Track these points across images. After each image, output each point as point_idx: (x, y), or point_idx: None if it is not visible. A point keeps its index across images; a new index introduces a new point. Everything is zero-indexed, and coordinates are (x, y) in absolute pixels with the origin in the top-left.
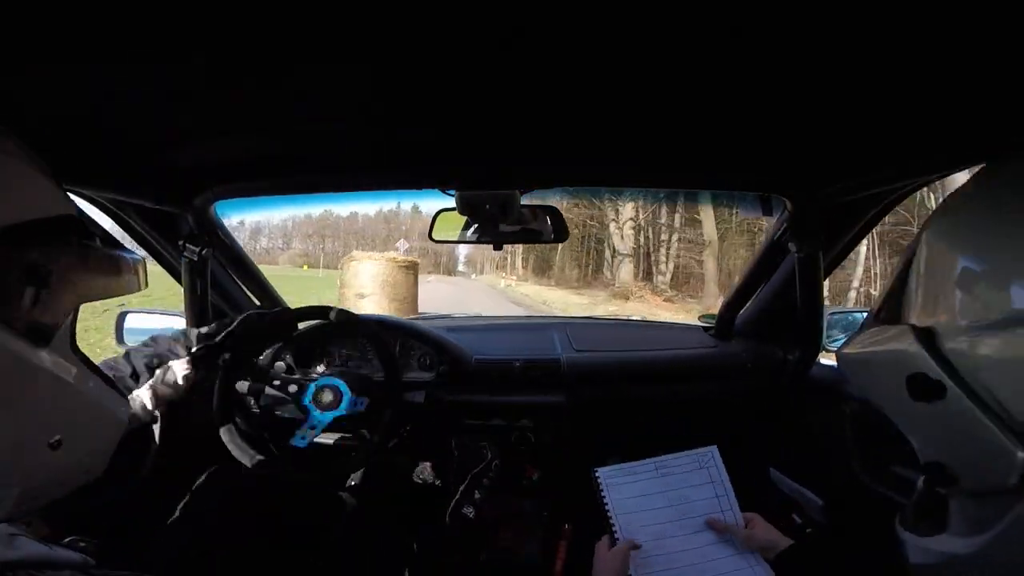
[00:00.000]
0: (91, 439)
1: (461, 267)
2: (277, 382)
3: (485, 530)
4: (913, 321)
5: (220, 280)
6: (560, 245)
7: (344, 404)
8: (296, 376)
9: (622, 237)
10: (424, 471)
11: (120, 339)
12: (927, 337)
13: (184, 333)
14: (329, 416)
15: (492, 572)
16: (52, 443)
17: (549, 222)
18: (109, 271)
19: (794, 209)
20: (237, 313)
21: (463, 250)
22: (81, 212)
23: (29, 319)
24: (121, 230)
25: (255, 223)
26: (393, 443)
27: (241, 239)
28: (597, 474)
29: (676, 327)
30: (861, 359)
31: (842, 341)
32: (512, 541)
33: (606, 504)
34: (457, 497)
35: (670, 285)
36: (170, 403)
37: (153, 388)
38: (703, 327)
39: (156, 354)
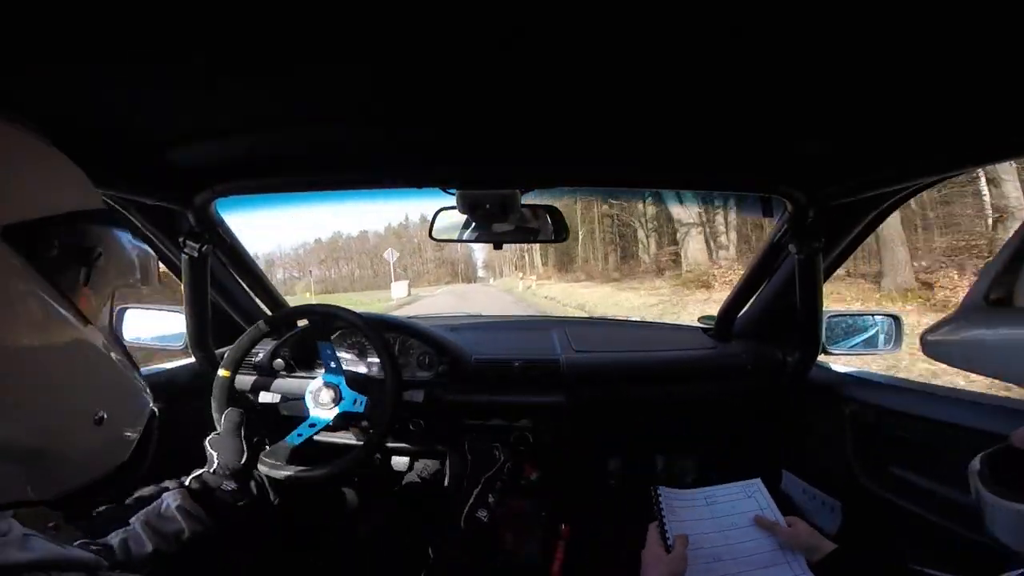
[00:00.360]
0: (129, 421)
1: (481, 272)
2: (276, 381)
3: (494, 533)
4: None
5: (220, 278)
6: (580, 234)
7: (343, 403)
8: (295, 375)
9: (681, 202)
10: (425, 469)
11: (119, 337)
12: None
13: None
14: (328, 415)
15: (492, 572)
16: (97, 418)
17: (549, 221)
18: (141, 261)
19: (794, 210)
20: (237, 311)
21: (480, 255)
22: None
23: (82, 297)
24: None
25: (268, 255)
26: (393, 443)
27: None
28: (659, 492)
29: (675, 328)
30: (984, 336)
31: (841, 343)
32: (511, 541)
33: (664, 521)
34: (472, 501)
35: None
36: (175, 536)
37: (146, 519)
38: (702, 328)
39: (151, 496)
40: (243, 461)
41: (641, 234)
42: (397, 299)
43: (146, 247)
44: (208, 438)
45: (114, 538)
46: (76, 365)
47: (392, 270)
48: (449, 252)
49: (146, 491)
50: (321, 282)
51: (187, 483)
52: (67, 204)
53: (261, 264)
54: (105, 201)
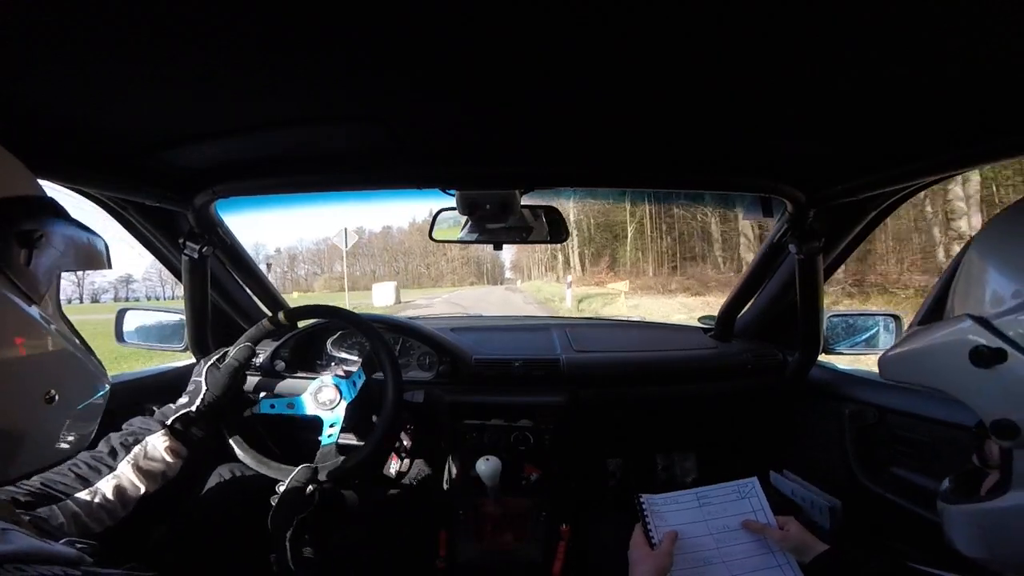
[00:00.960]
0: (81, 398)
1: (508, 274)
2: (273, 407)
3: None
4: (968, 311)
5: (220, 278)
6: (629, 232)
7: (343, 403)
8: (296, 375)
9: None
10: (421, 472)
11: (120, 338)
12: (981, 320)
13: (159, 411)
14: (332, 415)
15: (492, 572)
16: (47, 396)
17: (548, 222)
18: (84, 244)
19: (794, 210)
20: (237, 312)
21: (508, 255)
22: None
23: (25, 277)
24: (122, 228)
25: (291, 249)
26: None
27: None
28: (641, 500)
29: (676, 328)
30: (915, 354)
31: (842, 343)
32: (512, 541)
33: (649, 528)
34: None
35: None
36: (162, 475)
37: (135, 463)
38: (703, 328)
39: (131, 433)
40: (224, 403)
41: (714, 231)
42: (381, 306)
43: (94, 233)
44: (206, 366)
45: (106, 485)
46: (22, 344)
47: (344, 259)
48: (475, 251)
49: (133, 423)
50: (340, 279)
51: (170, 422)
52: (6, 190)
53: (283, 259)
54: (106, 203)
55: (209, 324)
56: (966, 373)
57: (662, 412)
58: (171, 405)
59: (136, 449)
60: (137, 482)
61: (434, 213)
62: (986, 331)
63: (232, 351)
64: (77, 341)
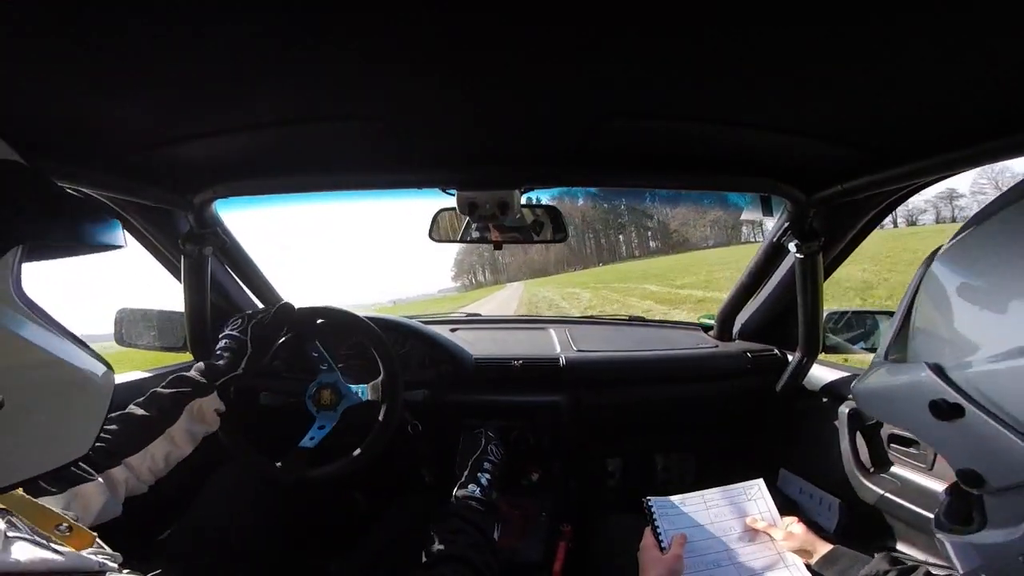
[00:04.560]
0: (51, 404)
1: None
2: (276, 382)
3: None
4: (925, 359)
5: (220, 279)
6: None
7: (344, 403)
8: (296, 376)
9: None
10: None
11: (119, 339)
12: (939, 371)
13: (196, 369)
14: (332, 416)
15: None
16: None
17: (549, 221)
18: (50, 212)
19: (794, 209)
20: (236, 312)
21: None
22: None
23: None
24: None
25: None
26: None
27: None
28: (650, 502)
29: (676, 327)
30: (883, 394)
31: (842, 342)
32: (512, 541)
33: (659, 531)
34: (461, 479)
35: None
36: (203, 436)
37: (187, 427)
38: (703, 327)
39: (178, 392)
40: (241, 369)
41: None
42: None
43: (76, 196)
44: (251, 323)
45: (158, 448)
46: None
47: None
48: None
49: (168, 384)
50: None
51: (219, 384)
52: None
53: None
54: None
55: (208, 324)
56: (929, 424)
57: (662, 412)
58: (213, 363)
59: (186, 412)
60: (185, 445)
61: (434, 214)
62: (944, 384)
63: (277, 312)
64: (52, 333)
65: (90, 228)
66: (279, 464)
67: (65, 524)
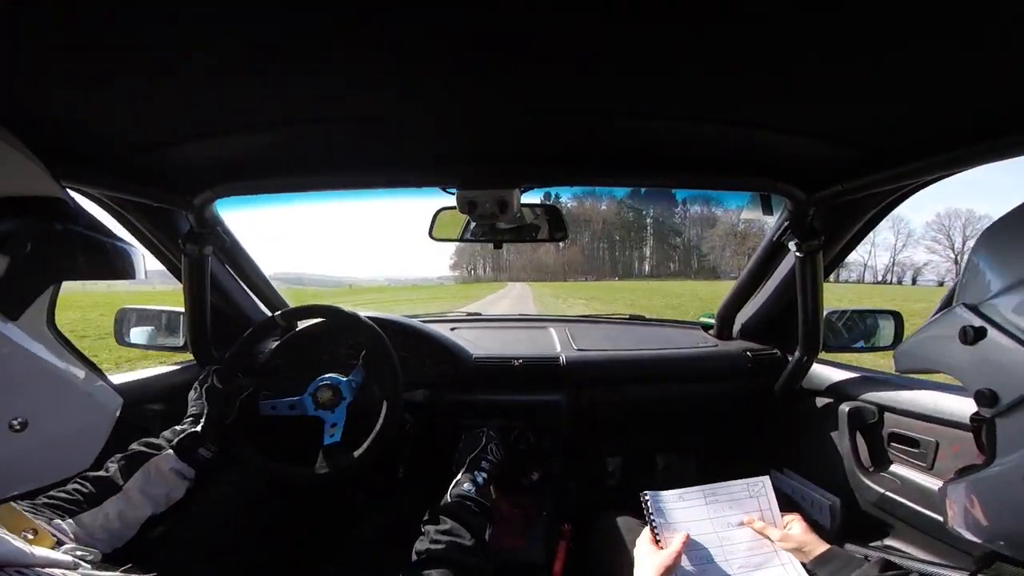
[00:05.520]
0: (66, 425)
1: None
2: (274, 407)
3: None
4: (963, 301)
5: (220, 278)
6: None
7: (344, 403)
8: (297, 375)
9: None
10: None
11: (120, 339)
12: (969, 306)
13: (163, 434)
14: (341, 410)
15: (492, 572)
16: (15, 424)
17: (548, 220)
18: (94, 254)
19: (794, 209)
20: (236, 312)
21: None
22: (73, 200)
23: (0, 289)
24: (122, 228)
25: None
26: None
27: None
28: (646, 497)
29: (676, 326)
30: (925, 339)
31: (842, 341)
32: (512, 541)
33: (655, 526)
34: (458, 477)
35: None
36: (166, 497)
37: (140, 486)
38: (703, 326)
39: (137, 453)
40: (229, 421)
41: None
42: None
43: (115, 239)
44: (204, 386)
45: (112, 506)
46: None
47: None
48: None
49: (134, 447)
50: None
51: (175, 443)
52: None
53: None
54: (106, 203)
55: (209, 324)
56: (956, 352)
57: (662, 411)
58: (176, 427)
59: (142, 471)
60: (142, 504)
61: (434, 213)
62: (973, 314)
63: (226, 363)
64: (73, 361)
65: (116, 264)
66: (316, 464)
67: (31, 528)
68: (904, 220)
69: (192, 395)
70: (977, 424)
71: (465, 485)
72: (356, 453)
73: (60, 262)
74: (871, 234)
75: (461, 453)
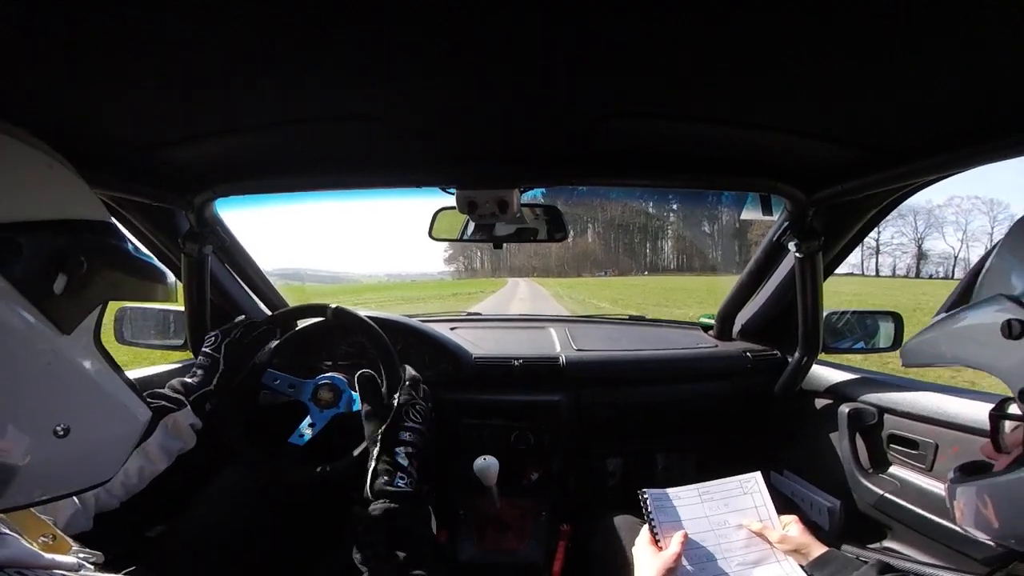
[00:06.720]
0: (103, 434)
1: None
2: (276, 380)
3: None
4: (1000, 292)
5: (220, 278)
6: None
7: (343, 402)
8: (296, 374)
9: None
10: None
11: (120, 338)
12: (1014, 298)
13: (170, 386)
14: (328, 414)
15: (492, 572)
16: (58, 430)
17: (548, 221)
18: (140, 275)
19: (794, 209)
20: (236, 311)
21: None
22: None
23: (57, 305)
24: (122, 227)
25: None
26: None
27: None
28: (645, 494)
29: (676, 326)
30: (950, 332)
31: (842, 342)
32: (512, 541)
33: (653, 523)
34: (373, 465)
35: None
36: (178, 451)
37: (159, 441)
38: (703, 327)
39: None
40: (236, 383)
41: None
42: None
43: (155, 263)
44: (224, 340)
45: (132, 462)
46: (36, 374)
47: None
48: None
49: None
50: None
51: (192, 399)
52: (46, 212)
53: None
54: (106, 202)
55: (208, 323)
56: (997, 346)
57: (662, 411)
58: (185, 380)
59: (161, 427)
60: (159, 460)
61: (434, 213)
62: (1018, 307)
63: (248, 327)
64: (114, 375)
65: (158, 285)
66: (263, 458)
67: (50, 534)
68: (1003, 204)
69: (209, 344)
70: (998, 420)
71: (383, 477)
72: (356, 453)
73: (111, 281)
74: (963, 223)
75: (367, 421)
